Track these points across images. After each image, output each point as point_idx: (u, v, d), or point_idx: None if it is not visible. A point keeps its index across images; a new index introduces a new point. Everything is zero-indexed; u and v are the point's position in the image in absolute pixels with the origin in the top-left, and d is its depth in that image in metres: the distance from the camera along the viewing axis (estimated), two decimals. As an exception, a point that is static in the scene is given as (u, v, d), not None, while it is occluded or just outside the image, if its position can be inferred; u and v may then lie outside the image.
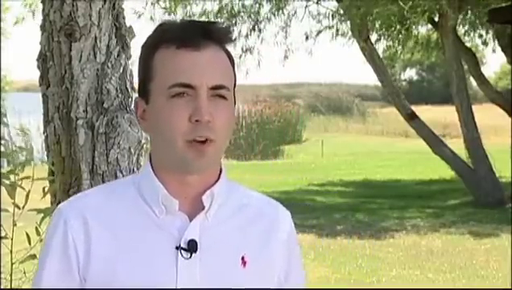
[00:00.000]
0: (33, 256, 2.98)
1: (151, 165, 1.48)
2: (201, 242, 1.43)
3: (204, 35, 1.43)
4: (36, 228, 2.90)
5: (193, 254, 1.42)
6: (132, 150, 2.31)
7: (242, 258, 1.46)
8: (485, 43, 14.33)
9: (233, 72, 1.48)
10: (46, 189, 2.69)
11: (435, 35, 13.90)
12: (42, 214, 2.79)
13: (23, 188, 2.91)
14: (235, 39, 1.53)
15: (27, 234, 2.97)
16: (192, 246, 1.42)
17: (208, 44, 1.43)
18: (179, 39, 1.42)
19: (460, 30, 13.43)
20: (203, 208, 1.45)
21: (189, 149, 1.40)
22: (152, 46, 1.46)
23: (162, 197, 1.44)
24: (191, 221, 1.44)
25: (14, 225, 2.98)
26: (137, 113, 1.50)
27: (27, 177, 2.92)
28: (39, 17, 2.46)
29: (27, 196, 2.90)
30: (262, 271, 1.49)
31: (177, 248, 1.42)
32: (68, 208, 1.48)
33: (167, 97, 1.41)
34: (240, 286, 1.45)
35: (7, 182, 2.91)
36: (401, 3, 11.32)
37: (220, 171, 1.49)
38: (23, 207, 2.91)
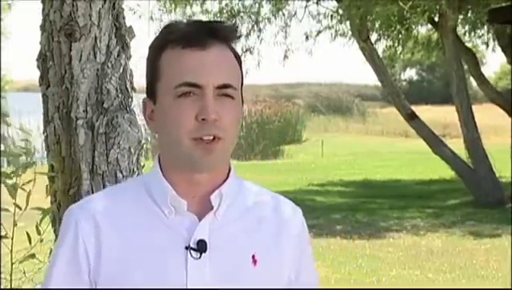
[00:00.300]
0: (32, 255, 2.98)
1: (160, 166, 1.48)
2: (211, 242, 1.43)
3: (210, 34, 1.43)
4: (37, 227, 2.90)
5: (203, 254, 1.42)
6: (132, 150, 2.31)
7: (253, 256, 1.45)
8: (486, 44, 14.33)
9: (239, 70, 1.48)
10: (49, 188, 2.70)
11: (435, 35, 13.90)
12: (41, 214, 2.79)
13: (24, 190, 2.92)
14: (241, 37, 1.52)
15: (28, 234, 2.97)
16: (201, 246, 1.42)
17: (214, 43, 1.43)
18: (185, 38, 1.42)
19: (461, 30, 13.43)
20: (212, 207, 1.45)
21: (196, 147, 1.40)
22: (158, 47, 1.46)
23: (170, 198, 1.44)
24: (200, 220, 1.44)
25: (15, 225, 2.98)
26: (145, 114, 1.50)
27: (29, 181, 2.93)
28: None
29: (28, 197, 2.91)
30: (273, 270, 1.48)
31: (186, 248, 1.42)
32: (78, 209, 1.48)
33: (174, 97, 1.41)
34: (251, 285, 1.44)
35: (9, 182, 2.91)
36: (401, 3, 11.33)
37: (229, 171, 1.49)
38: (25, 209, 2.91)
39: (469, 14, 13.09)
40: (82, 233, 1.44)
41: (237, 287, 1.43)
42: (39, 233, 2.92)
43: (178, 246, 1.42)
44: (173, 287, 1.41)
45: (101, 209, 1.47)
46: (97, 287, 1.44)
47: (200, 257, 1.41)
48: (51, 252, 2.74)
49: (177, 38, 1.43)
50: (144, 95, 1.52)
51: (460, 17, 12.69)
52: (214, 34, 1.43)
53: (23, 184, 2.92)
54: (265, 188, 1.58)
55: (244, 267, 1.45)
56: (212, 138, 1.40)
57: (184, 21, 1.48)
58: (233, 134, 1.44)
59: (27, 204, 2.89)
